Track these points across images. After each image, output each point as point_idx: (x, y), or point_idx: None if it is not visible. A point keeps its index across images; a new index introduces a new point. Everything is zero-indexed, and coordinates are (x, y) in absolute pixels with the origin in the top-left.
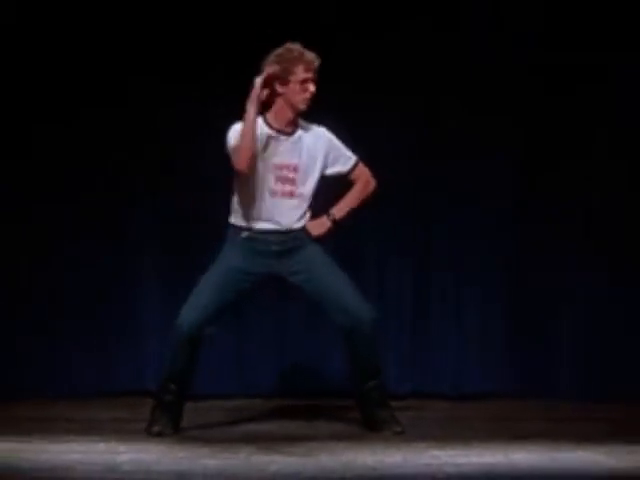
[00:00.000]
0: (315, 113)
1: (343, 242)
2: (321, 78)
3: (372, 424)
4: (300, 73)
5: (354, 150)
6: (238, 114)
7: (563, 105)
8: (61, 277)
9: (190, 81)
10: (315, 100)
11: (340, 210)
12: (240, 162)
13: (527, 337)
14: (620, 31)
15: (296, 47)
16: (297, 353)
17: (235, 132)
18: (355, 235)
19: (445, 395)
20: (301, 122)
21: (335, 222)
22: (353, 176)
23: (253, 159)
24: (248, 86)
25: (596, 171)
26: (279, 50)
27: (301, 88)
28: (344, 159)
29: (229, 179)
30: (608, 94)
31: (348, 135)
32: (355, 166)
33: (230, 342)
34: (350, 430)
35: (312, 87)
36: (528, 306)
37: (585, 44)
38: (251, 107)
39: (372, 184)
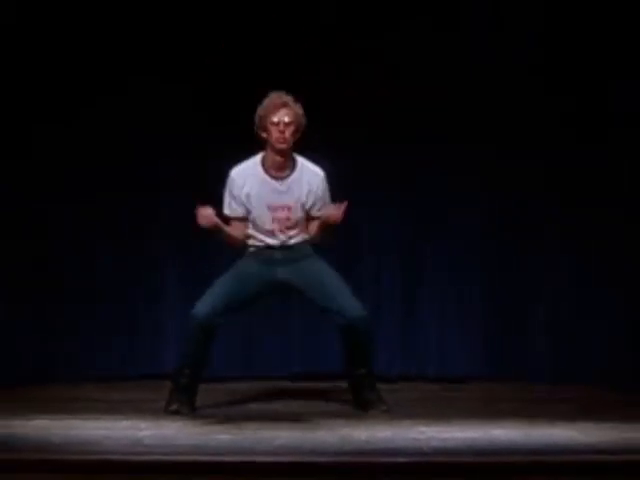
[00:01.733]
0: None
1: (341, 241)
2: (321, 78)
3: (362, 404)
4: (271, 116)
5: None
6: (242, 122)
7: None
8: (90, 270)
9: (194, 82)
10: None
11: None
12: (229, 245)
13: (504, 326)
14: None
15: (273, 94)
16: (298, 342)
17: (225, 194)
18: (352, 234)
19: (430, 378)
20: (302, 162)
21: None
22: (311, 225)
23: (239, 243)
24: (250, 86)
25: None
26: (264, 101)
27: (274, 130)
28: (321, 207)
29: None
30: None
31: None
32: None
33: (238, 332)
34: (345, 409)
35: (282, 127)
36: (505, 299)
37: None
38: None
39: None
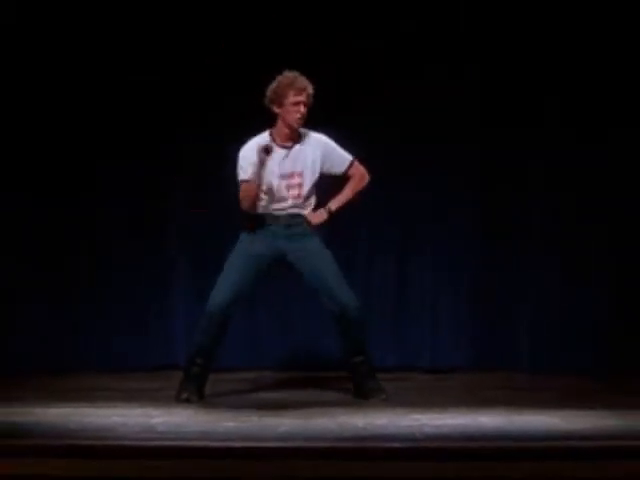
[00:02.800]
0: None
1: (339, 239)
2: (320, 78)
3: (361, 393)
4: (291, 97)
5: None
6: (250, 117)
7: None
8: (107, 268)
9: (199, 82)
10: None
11: (336, 202)
12: (245, 202)
13: (491, 320)
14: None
15: (291, 74)
16: (300, 334)
17: (243, 164)
18: (349, 232)
19: (423, 368)
20: (302, 132)
21: (331, 213)
22: (349, 173)
23: (255, 202)
24: (253, 87)
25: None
26: (277, 78)
27: (293, 109)
28: (340, 160)
29: None
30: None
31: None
32: (350, 166)
33: (245, 324)
34: (344, 397)
35: (302, 108)
36: (491, 296)
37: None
38: (256, 169)
39: (365, 179)
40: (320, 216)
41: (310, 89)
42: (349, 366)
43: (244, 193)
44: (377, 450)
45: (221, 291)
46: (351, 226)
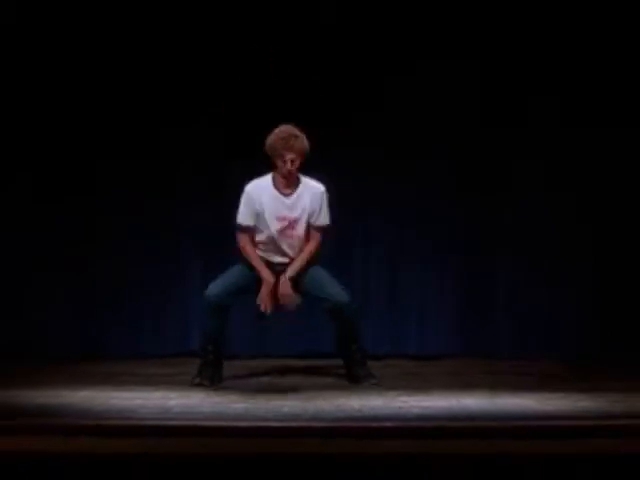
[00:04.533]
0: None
1: (339, 242)
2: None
3: (355, 378)
4: (285, 155)
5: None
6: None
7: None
8: (129, 263)
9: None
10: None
11: (292, 269)
12: (243, 254)
13: (473, 310)
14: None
15: (285, 130)
16: (301, 326)
17: (243, 209)
18: (347, 238)
19: (411, 355)
20: (304, 180)
21: (292, 279)
22: (313, 233)
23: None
24: (256, 88)
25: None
26: (274, 131)
27: (284, 166)
28: (317, 218)
29: None
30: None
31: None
32: (320, 228)
33: (252, 319)
34: (340, 382)
35: (290, 165)
36: (474, 289)
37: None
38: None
39: (318, 248)
40: (285, 287)
41: (302, 144)
42: (344, 355)
43: (242, 244)
44: (370, 429)
45: (218, 285)
46: (349, 233)
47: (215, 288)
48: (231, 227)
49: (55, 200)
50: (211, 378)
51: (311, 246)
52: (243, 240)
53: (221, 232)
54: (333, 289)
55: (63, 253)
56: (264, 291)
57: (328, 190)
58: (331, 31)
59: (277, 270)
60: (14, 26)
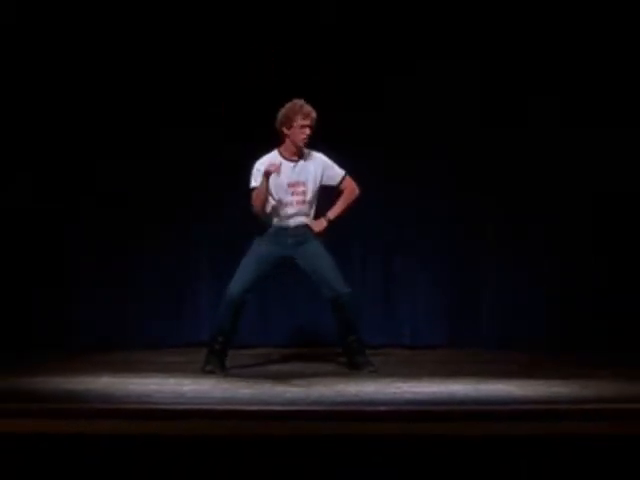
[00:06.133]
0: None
1: (339, 242)
2: (318, 77)
3: (353, 366)
4: (299, 121)
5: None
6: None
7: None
8: (147, 260)
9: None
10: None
11: (333, 212)
12: (255, 206)
13: (461, 304)
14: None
15: (298, 101)
16: (303, 317)
17: (255, 174)
18: (347, 237)
19: (404, 345)
20: (306, 150)
21: (330, 221)
22: (342, 187)
23: (264, 206)
24: (256, 88)
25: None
26: (286, 105)
27: (300, 131)
28: (335, 175)
29: None
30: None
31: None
32: (343, 179)
33: (257, 310)
34: (339, 369)
35: (308, 130)
36: (462, 284)
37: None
38: (264, 180)
39: (356, 192)
40: (320, 224)
41: (314, 114)
42: (343, 344)
43: (255, 197)
44: (367, 413)
45: (237, 284)
46: (348, 231)
47: (236, 286)
48: (238, 226)
49: (75, 209)
50: (221, 366)
51: (348, 191)
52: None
53: (229, 235)
54: (335, 279)
55: (87, 254)
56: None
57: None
58: (331, 31)
59: (287, 237)
60: (14, 26)
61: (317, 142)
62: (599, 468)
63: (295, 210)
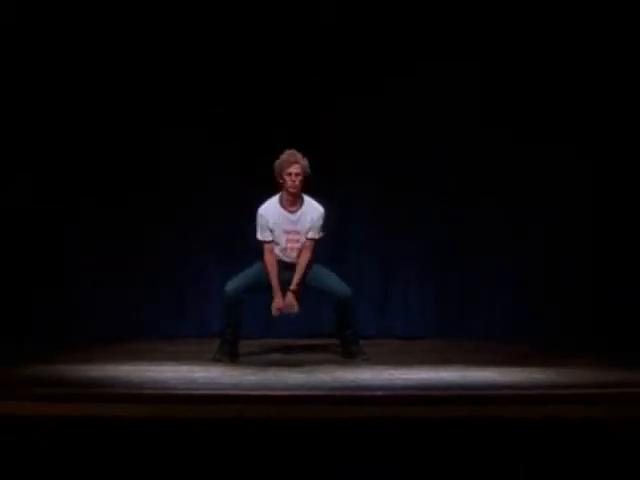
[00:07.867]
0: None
1: (340, 242)
2: (317, 78)
3: (348, 354)
4: (287, 169)
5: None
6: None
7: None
8: (163, 257)
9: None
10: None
11: (294, 284)
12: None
13: (449, 300)
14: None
15: (288, 151)
16: (304, 310)
17: (261, 225)
18: (346, 238)
19: (397, 336)
20: (307, 200)
21: (295, 291)
22: (306, 243)
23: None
24: (256, 88)
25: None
26: (280, 156)
27: (289, 179)
28: (312, 231)
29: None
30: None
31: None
32: (311, 239)
33: (263, 304)
34: (336, 358)
35: (295, 178)
36: (450, 281)
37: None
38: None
39: (308, 258)
40: (291, 302)
41: (304, 162)
42: (340, 335)
43: (265, 254)
44: (363, 397)
45: (233, 283)
46: (346, 233)
47: (232, 285)
48: (245, 227)
49: (89, 209)
50: (229, 355)
51: (306, 257)
52: (266, 250)
53: (236, 233)
54: (334, 282)
55: (87, 254)
56: (274, 305)
57: (328, 190)
58: (331, 31)
59: (285, 276)
60: (14, 26)
61: (317, 142)
62: (574, 446)
63: (288, 251)
